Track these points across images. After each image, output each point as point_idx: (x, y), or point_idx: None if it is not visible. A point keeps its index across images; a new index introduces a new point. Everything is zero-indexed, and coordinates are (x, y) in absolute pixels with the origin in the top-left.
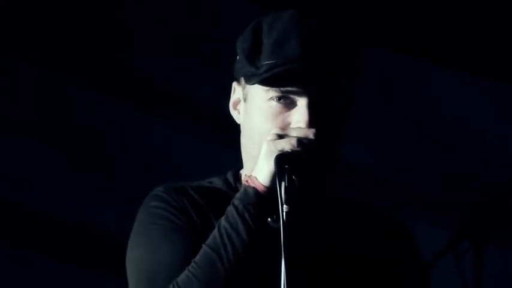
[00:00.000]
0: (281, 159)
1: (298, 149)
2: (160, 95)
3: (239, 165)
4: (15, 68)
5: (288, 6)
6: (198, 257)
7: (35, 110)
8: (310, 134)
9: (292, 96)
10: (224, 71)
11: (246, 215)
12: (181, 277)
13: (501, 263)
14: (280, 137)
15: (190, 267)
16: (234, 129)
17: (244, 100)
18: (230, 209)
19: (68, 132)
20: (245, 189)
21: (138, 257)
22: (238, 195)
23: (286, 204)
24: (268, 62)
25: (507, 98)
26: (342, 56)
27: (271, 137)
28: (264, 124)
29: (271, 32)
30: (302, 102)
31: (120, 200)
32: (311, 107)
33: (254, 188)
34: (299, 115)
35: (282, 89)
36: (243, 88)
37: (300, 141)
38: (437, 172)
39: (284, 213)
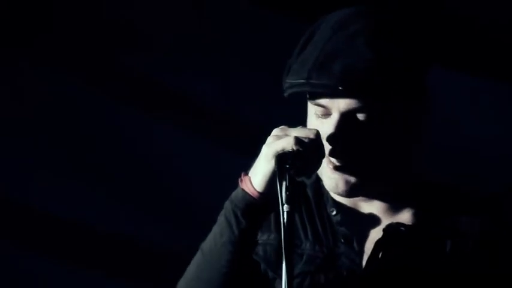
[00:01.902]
0: (281, 158)
1: (298, 148)
2: (161, 95)
3: (239, 165)
4: (15, 68)
5: (288, 7)
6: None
7: (35, 110)
8: (310, 133)
9: (327, 108)
10: (224, 71)
11: (233, 219)
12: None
13: None
14: (280, 137)
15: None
16: (234, 129)
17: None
18: (223, 210)
19: (68, 132)
20: (237, 191)
21: None
22: (232, 194)
23: (287, 204)
24: (287, 81)
25: (507, 98)
26: (354, 76)
27: (270, 138)
28: (309, 126)
29: (311, 44)
30: (333, 115)
31: (121, 200)
32: (338, 120)
33: (244, 192)
34: (328, 126)
35: (316, 102)
36: None
37: (300, 140)
38: (436, 172)
39: (285, 213)
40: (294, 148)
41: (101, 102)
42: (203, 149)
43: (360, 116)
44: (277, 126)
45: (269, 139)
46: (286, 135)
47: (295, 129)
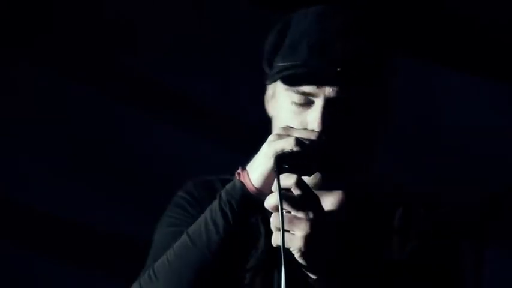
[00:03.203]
0: (281, 159)
1: (298, 149)
2: (161, 95)
3: (239, 165)
4: (15, 68)
5: (288, 7)
6: (177, 241)
7: (35, 110)
8: (312, 135)
9: (309, 96)
10: (224, 71)
11: (228, 209)
12: (159, 260)
13: (501, 263)
14: (281, 137)
15: (168, 250)
16: (234, 129)
17: (273, 96)
18: (216, 199)
19: (68, 132)
20: (234, 183)
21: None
22: (227, 186)
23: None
24: (279, 64)
25: (507, 98)
26: (352, 61)
27: (272, 137)
28: (288, 122)
29: (293, 32)
30: (317, 103)
31: (121, 200)
32: (324, 108)
33: (242, 184)
34: (312, 115)
35: (299, 89)
36: (272, 85)
37: (301, 141)
38: (437, 172)
39: (284, 213)
40: (294, 149)
41: (101, 102)
42: (203, 148)
43: (344, 104)
44: None
45: (270, 137)
46: (288, 135)
47: (297, 129)
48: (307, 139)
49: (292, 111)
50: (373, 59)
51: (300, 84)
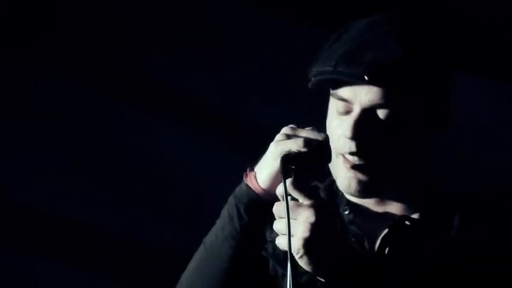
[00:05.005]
0: (287, 160)
1: (305, 150)
2: (161, 95)
3: (239, 165)
4: (15, 68)
5: (288, 7)
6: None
7: (35, 110)
8: (319, 137)
9: (349, 104)
10: (224, 71)
11: (235, 214)
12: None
13: None
14: (289, 137)
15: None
16: (234, 129)
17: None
18: (227, 204)
19: (68, 132)
20: (241, 186)
21: None
22: (236, 189)
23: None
24: (314, 69)
25: (507, 98)
26: (382, 72)
27: (279, 136)
28: (332, 128)
29: (344, 38)
30: (353, 112)
31: (121, 200)
32: (359, 116)
33: (248, 187)
34: (347, 122)
35: (338, 95)
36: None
37: (308, 142)
38: (438, 172)
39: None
40: (301, 150)
41: (101, 102)
42: (203, 149)
43: (381, 113)
44: (277, 126)
45: (278, 137)
46: (296, 135)
47: (305, 130)
48: (314, 140)
49: (335, 120)
50: (410, 71)
51: (330, 94)
